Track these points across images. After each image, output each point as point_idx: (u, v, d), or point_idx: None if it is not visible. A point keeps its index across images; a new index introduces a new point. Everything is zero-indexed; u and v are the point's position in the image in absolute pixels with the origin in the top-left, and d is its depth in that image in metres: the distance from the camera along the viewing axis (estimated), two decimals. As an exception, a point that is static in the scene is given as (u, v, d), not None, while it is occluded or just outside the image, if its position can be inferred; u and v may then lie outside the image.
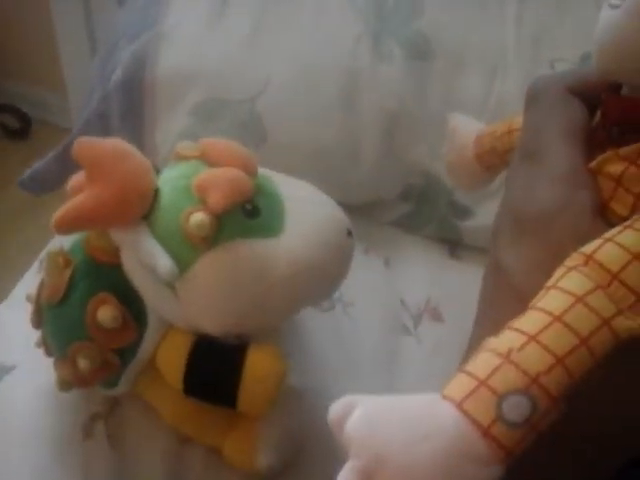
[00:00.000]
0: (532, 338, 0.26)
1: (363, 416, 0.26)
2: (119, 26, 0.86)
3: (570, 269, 0.28)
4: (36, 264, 0.79)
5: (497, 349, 0.26)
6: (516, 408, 0.25)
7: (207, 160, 0.53)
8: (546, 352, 0.26)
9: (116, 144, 0.50)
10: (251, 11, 0.81)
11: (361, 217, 0.84)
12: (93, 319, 0.53)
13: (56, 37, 1.50)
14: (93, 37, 1.45)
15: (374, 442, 0.25)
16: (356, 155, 0.80)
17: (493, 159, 0.54)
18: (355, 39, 0.79)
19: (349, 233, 0.58)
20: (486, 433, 0.24)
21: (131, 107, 0.78)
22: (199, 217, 0.49)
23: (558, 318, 0.26)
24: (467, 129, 0.58)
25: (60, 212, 0.48)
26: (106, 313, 0.53)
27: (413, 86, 0.80)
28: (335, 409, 0.27)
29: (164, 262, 0.49)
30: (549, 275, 0.29)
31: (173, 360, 0.55)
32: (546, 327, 0.26)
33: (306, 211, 0.56)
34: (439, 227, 0.85)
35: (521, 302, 0.29)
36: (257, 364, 0.54)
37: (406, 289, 0.81)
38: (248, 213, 0.51)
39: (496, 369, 0.26)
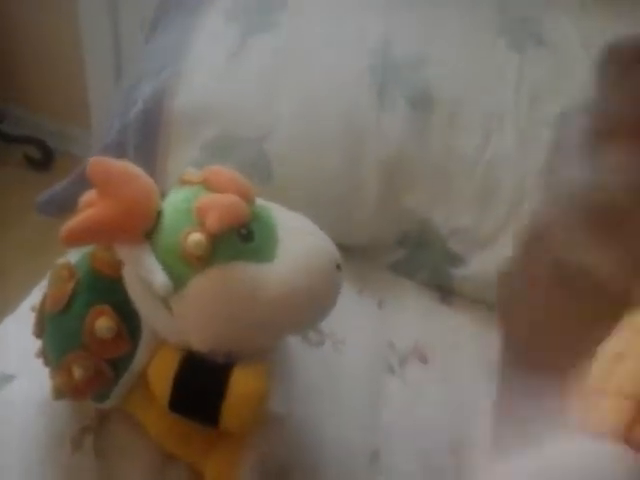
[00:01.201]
0: None
1: None
2: (142, 62, 0.92)
3: None
4: (42, 283, 0.83)
5: None
6: None
7: (208, 186, 0.58)
8: None
9: (126, 166, 0.55)
10: (265, 57, 0.86)
11: (358, 259, 0.88)
12: (91, 329, 0.57)
13: (83, 75, 1.58)
14: (121, 75, 1.53)
15: None
16: (356, 199, 0.84)
17: None
18: (360, 87, 0.84)
19: (338, 267, 0.61)
20: None
21: (147, 138, 0.83)
22: (196, 237, 0.53)
23: None
24: None
25: (69, 223, 0.52)
26: (103, 323, 0.56)
27: (414, 135, 0.84)
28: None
29: (160, 278, 0.53)
30: None
31: (162, 375, 0.58)
32: None
33: (298, 240, 0.59)
34: (432, 273, 0.88)
35: (606, 298, 0.28)
36: (241, 382, 0.56)
37: (396, 331, 0.83)
38: (243, 237, 0.55)
39: None
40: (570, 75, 0.86)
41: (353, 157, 0.83)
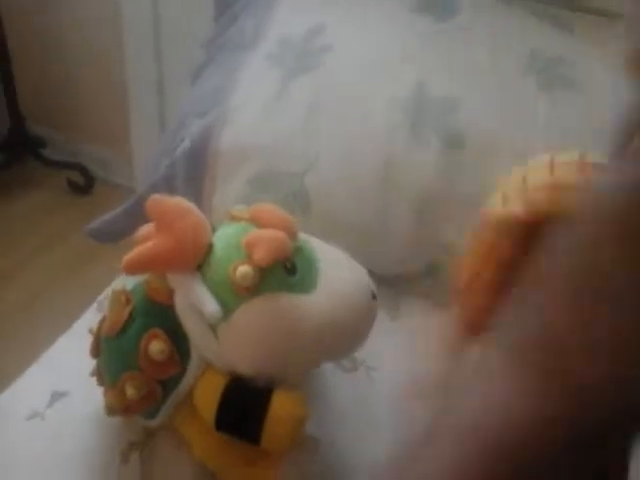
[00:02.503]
0: None
1: None
2: (190, 103, 0.98)
3: None
4: (94, 305, 0.88)
5: None
6: None
7: (255, 222, 0.62)
8: None
9: (181, 202, 0.60)
10: (306, 97, 0.91)
11: (390, 287, 0.92)
12: (145, 351, 0.61)
13: (126, 105, 1.65)
14: (162, 108, 1.60)
15: None
16: (389, 231, 0.88)
17: None
18: (395, 125, 0.89)
19: (373, 296, 0.65)
20: None
21: (194, 174, 0.89)
22: (245, 269, 0.57)
23: None
24: None
25: (130, 255, 0.57)
26: (156, 347, 0.61)
27: (445, 173, 0.88)
28: None
29: (211, 306, 0.57)
30: None
31: (208, 396, 0.62)
32: None
33: (336, 273, 0.63)
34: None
35: None
36: (281, 406, 0.60)
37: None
38: (287, 270, 0.60)
39: None
40: (600, 118, 0.89)
41: (388, 191, 0.87)
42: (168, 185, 0.90)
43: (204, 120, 0.90)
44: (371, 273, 0.69)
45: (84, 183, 1.96)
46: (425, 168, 0.88)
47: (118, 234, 0.93)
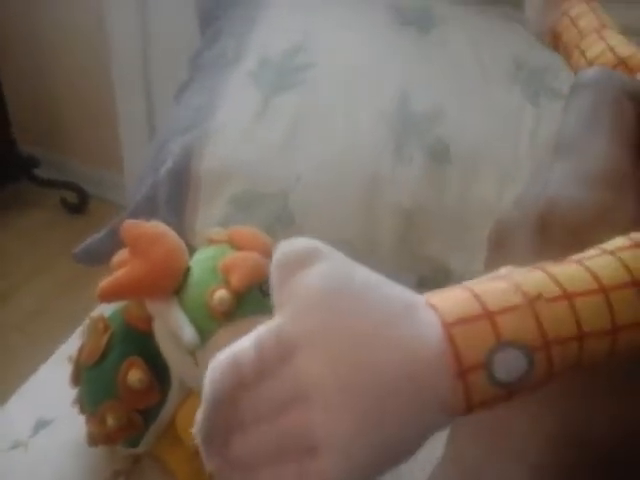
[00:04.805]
0: (568, 296, 0.21)
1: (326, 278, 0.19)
2: (172, 121, 0.97)
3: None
4: (78, 330, 0.87)
5: (522, 286, 0.20)
6: (508, 364, 0.19)
7: (233, 244, 0.61)
8: (574, 320, 0.21)
9: (156, 227, 0.59)
10: (287, 116, 0.90)
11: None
12: (124, 380, 0.60)
13: (117, 122, 1.65)
14: (152, 123, 1.59)
15: (324, 314, 0.18)
16: (375, 248, 0.87)
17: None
18: (379, 141, 0.88)
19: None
20: (462, 375, 0.18)
21: (176, 194, 0.88)
22: (221, 294, 0.56)
23: (603, 289, 0.21)
24: None
25: (104, 283, 0.56)
26: (135, 376, 0.60)
27: (430, 187, 0.87)
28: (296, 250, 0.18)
29: (188, 332, 0.56)
30: None
31: (190, 423, 0.61)
32: (588, 293, 0.21)
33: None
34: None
35: None
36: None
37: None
38: (265, 292, 0.59)
39: (512, 309, 0.20)
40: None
41: (373, 208, 0.86)
42: (151, 206, 0.89)
43: (185, 139, 0.89)
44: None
45: (78, 202, 1.95)
46: (411, 183, 0.86)
47: (104, 256, 0.91)
